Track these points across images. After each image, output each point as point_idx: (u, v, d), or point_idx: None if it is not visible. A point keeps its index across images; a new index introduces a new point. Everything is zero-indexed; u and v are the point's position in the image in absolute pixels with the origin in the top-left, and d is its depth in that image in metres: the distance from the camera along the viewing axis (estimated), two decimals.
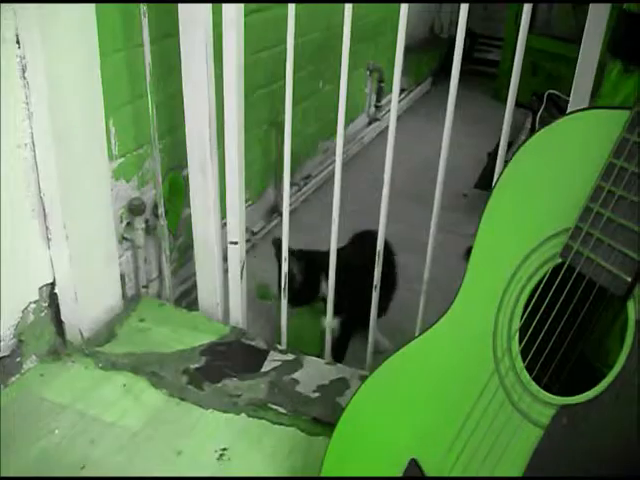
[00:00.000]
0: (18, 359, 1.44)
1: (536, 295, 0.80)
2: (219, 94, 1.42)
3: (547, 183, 0.81)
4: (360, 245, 1.85)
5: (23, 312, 1.43)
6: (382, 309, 1.82)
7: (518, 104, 1.28)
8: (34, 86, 1.28)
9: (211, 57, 1.40)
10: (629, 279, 0.70)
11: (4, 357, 1.40)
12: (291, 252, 1.56)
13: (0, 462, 1.24)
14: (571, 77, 1.22)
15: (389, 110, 1.40)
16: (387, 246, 1.80)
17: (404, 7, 1.23)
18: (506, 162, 0.87)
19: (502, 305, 0.83)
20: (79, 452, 1.28)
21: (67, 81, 1.32)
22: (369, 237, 1.80)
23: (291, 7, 1.30)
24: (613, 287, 0.72)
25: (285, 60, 1.34)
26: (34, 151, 1.35)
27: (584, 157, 0.78)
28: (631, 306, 0.71)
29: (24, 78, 1.28)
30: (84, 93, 1.37)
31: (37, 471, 1.23)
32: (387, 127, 1.38)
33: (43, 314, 1.48)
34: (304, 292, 1.77)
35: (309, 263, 1.75)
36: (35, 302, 1.45)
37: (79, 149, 1.39)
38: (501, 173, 0.86)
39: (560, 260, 0.77)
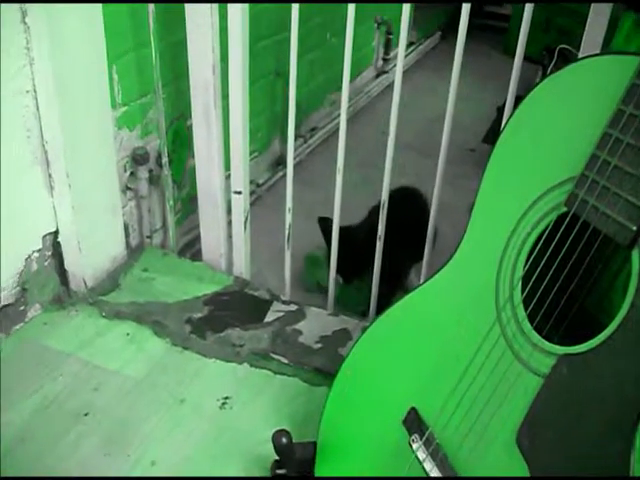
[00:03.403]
0: (22, 307, 1.44)
1: (540, 244, 0.79)
2: (224, 42, 1.40)
3: (554, 130, 0.80)
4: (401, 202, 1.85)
5: (26, 261, 1.43)
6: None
7: (529, 59, 1.25)
8: (34, 31, 1.26)
9: (215, 4, 1.38)
10: (634, 228, 0.69)
11: (8, 305, 1.41)
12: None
13: (3, 409, 1.25)
14: (583, 32, 1.19)
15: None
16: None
17: None
18: (513, 112, 0.86)
19: (505, 254, 0.82)
20: (82, 399, 1.29)
21: (68, 26, 1.30)
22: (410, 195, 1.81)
23: None
24: (618, 236, 0.71)
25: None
26: (36, 98, 1.33)
27: (593, 104, 0.76)
28: (636, 255, 0.70)
29: (25, 23, 1.26)
30: (86, 38, 1.35)
31: (40, 418, 1.24)
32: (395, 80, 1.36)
33: (47, 263, 1.48)
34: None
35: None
36: (38, 251, 1.45)
37: (81, 96, 1.38)
38: (508, 120, 0.84)
39: (565, 209, 0.76)
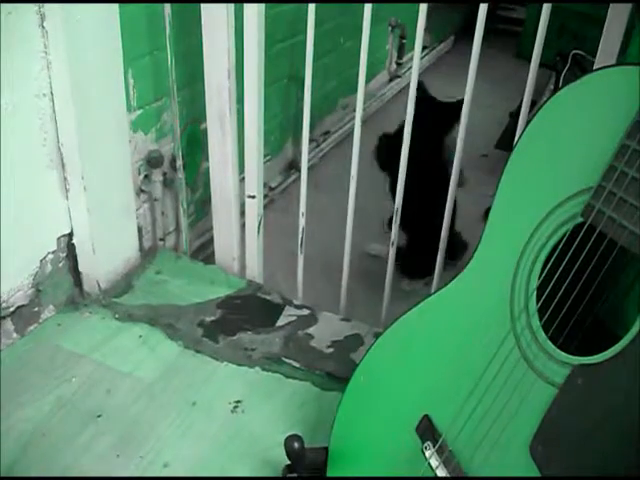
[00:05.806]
0: (36, 309, 1.45)
1: (555, 254, 0.79)
2: (239, 46, 1.40)
3: (570, 141, 0.80)
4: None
5: (41, 262, 1.44)
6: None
7: (542, 64, 1.25)
8: (52, 35, 1.27)
9: (232, 8, 1.38)
10: None
11: (22, 306, 1.42)
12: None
13: (19, 407, 1.26)
14: (598, 38, 1.19)
15: (410, 67, 1.38)
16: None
17: None
18: (529, 121, 0.86)
19: (520, 263, 0.83)
20: (95, 401, 1.30)
21: (85, 30, 1.31)
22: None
23: None
24: (634, 247, 0.71)
25: (306, 14, 1.33)
26: (52, 101, 1.34)
27: (610, 115, 0.76)
28: None
29: (43, 27, 1.27)
30: (103, 42, 1.36)
31: (54, 419, 1.25)
32: (408, 84, 1.36)
33: (61, 264, 1.49)
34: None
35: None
36: (53, 252, 1.46)
37: (97, 99, 1.39)
38: (524, 130, 0.84)
39: (581, 219, 0.76)
